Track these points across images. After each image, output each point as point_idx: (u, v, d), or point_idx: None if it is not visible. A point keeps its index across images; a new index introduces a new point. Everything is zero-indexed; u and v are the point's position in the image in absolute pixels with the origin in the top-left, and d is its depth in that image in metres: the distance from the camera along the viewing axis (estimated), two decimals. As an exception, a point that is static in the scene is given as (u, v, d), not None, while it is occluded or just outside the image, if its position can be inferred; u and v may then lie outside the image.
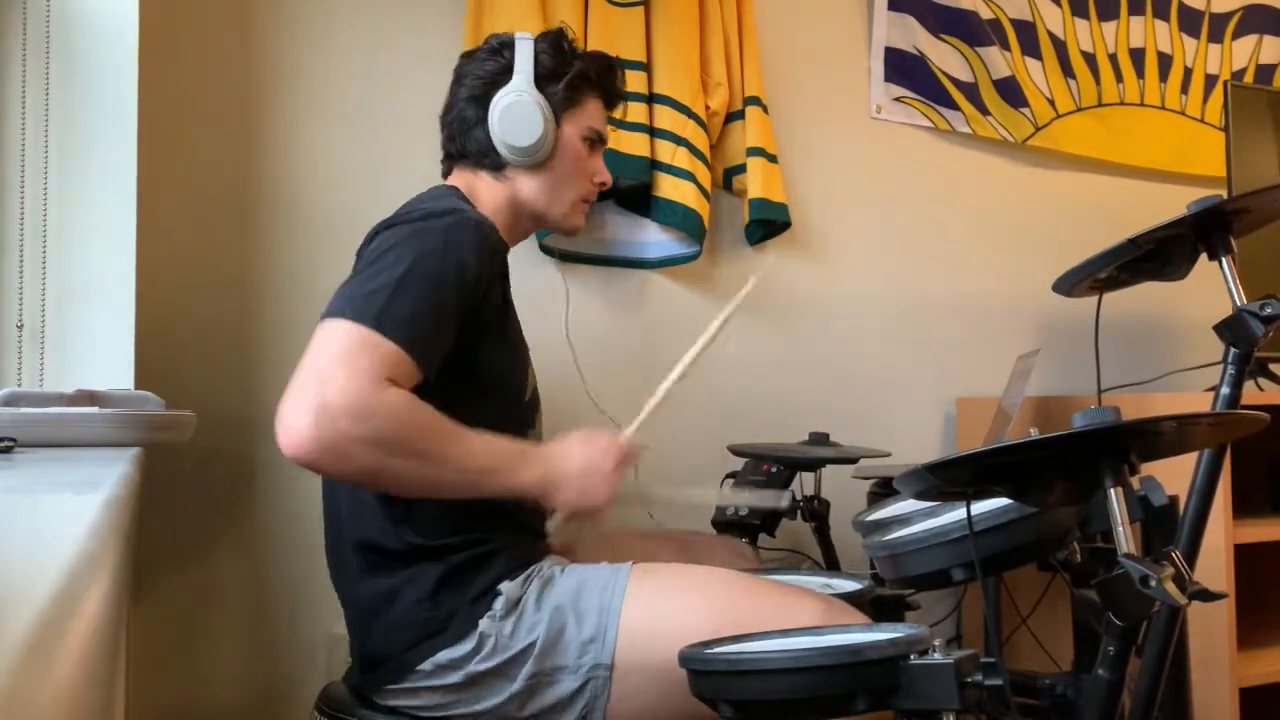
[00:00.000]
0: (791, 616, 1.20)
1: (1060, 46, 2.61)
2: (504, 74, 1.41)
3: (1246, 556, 1.89)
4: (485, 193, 1.43)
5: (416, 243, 1.23)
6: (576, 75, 1.43)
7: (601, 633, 1.21)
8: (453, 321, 1.23)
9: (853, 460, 1.89)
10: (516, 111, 1.40)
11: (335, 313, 1.16)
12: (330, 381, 1.10)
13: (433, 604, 1.24)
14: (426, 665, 1.23)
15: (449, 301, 1.22)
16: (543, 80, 1.41)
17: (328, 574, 1.37)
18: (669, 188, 2.04)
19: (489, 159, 1.42)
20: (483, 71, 1.43)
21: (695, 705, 1.10)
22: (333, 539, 1.36)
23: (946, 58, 2.46)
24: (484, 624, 1.22)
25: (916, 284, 2.43)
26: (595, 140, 1.47)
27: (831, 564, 1.90)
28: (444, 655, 1.23)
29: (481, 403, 1.26)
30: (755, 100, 2.16)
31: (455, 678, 1.23)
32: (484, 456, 1.19)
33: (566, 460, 1.23)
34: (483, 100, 1.41)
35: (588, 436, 1.27)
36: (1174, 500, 1.37)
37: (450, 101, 1.47)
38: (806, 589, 1.31)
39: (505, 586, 1.24)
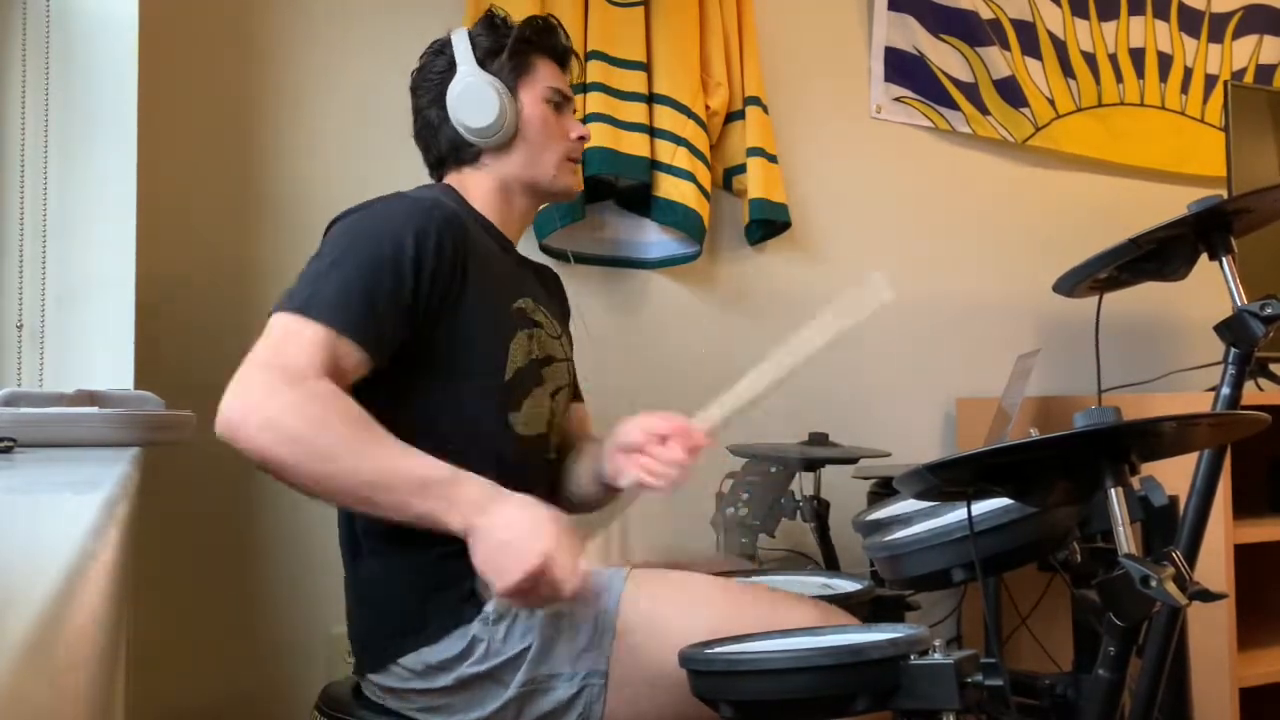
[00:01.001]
0: (785, 623, 1.20)
1: (1060, 46, 2.61)
2: (450, 69, 1.41)
3: (1246, 556, 1.89)
4: (474, 187, 1.43)
5: (357, 229, 1.25)
6: (516, 41, 1.42)
7: (596, 640, 1.20)
8: (392, 302, 1.21)
9: (853, 460, 1.89)
10: (468, 95, 1.39)
11: (275, 307, 1.19)
12: (252, 364, 1.14)
13: (415, 598, 1.24)
14: (410, 662, 1.23)
15: (385, 283, 1.20)
16: (485, 60, 1.41)
17: (326, 574, 1.37)
18: (669, 188, 2.04)
19: (464, 153, 1.42)
20: (433, 75, 1.43)
21: (691, 711, 1.10)
22: (341, 518, 1.35)
23: (946, 58, 2.46)
24: (475, 627, 1.22)
25: (916, 284, 2.43)
26: (560, 100, 1.45)
27: (831, 564, 1.90)
28: (430, 655, 1.22)
29: (440, 385, 1.24)
30: (755, 100, 2.16)
31: (445, 680, 1.22)
32: (388, 474, 1.11)
33: (498, 527, 1.10)
34: (440, 100, 1.41)
35: (544, 526, 1.10)
36: (1174, 500, 1.37)
37: (415, 115, 1.47)
38: (801, 596, 1.30)
39: None
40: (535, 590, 1.08)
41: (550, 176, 1.44)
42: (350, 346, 1.16)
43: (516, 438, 1.33)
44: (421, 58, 1.47)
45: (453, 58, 1.41)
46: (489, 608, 1.22)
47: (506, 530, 1.09)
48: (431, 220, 1.26)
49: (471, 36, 1.42)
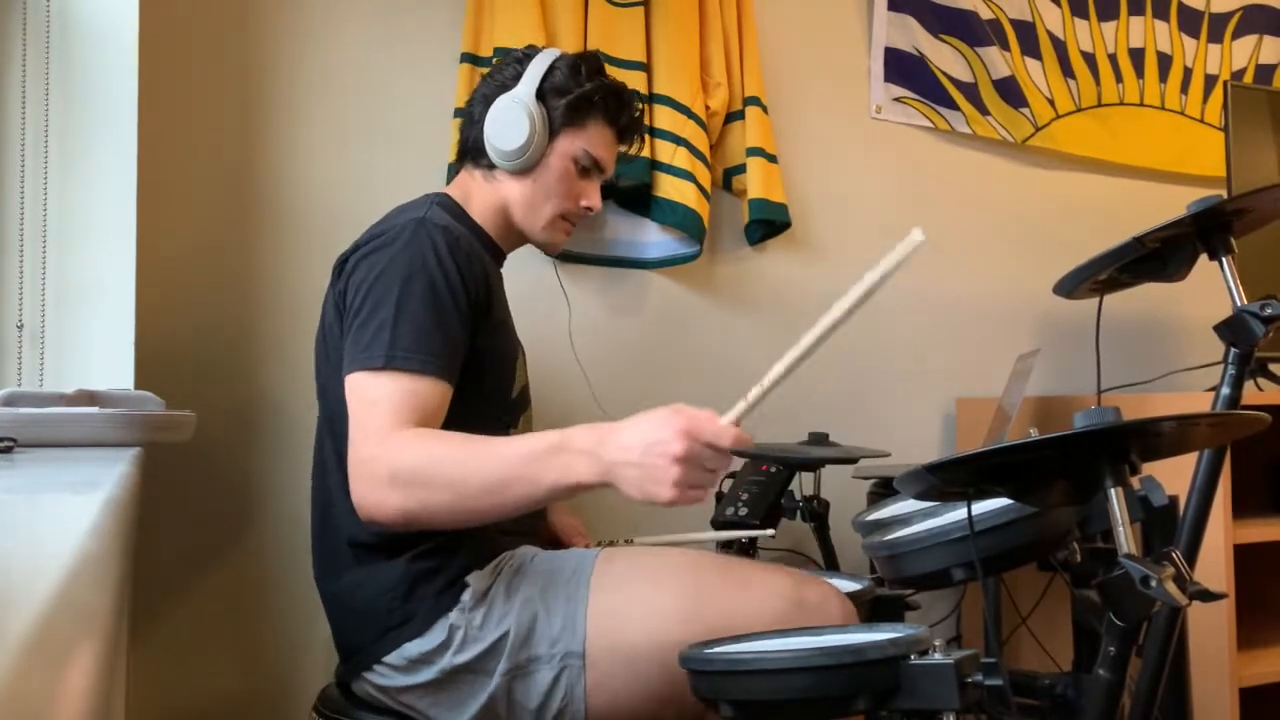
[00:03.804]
0: (759, 592, 1.21)
1: (1060, 46, 2.61)
2: (514, 80, 1.45)
3: (1246, 556, 1.89)
4: (478, 195, 1.47)
5: (399, 264, 1.26)
6: (580, 96, 1.44)
7: (570, 621, 1.22)
8: (459, 322, 1.26)
9: (853, 460, 1.89)
10: (506, 114, 1.43)
11: (350, 368, 1.22)
12: (354, 444, 1.18)
13: (398, 595, 1.26)
14: (395, 658, 1.24)
15: (448, 305, 1.25)
16: (547, 93, 1.44)
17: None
18: (669, 188, 2.04)
19: (483, 159, 1.46)
20: (501, 76, 1.47)
21: (672, 688, 1.11)
22: (317, 532, 1.38)
23: (946, 58, 2.46)
24: (453, 616, 1.24)
25: (916, 284, 2.43)
26: (589, 166, 1.48)
27: (831, 564, 1.90)
28: (412, 648, 1.24)
29: (464, 402, 1.26)
30: (755, 100, 2.16)
31: (429, 674, 1.23)
32: (506, 466, 1.12)
33: (625, 450, 1.08)
34: (489, 101, 1.45)
35: (661, 418, 1.08)
36: (1174, 500, 1.37)
37: (470, 97, 1.52)
38: (775, 565, 1.31)
39: (472, 578, 1.26)
40: (699, 470, 1.07)
41: (537, 226, 1.47)
42: (432, 383, 1.20)
43: None
44: (507, 56, 1.51)
45: (523, 73, 1.45)
46: (465, 596, 1.23)
47: (628, 452, 1.07)
48: (460, 245, 1.30)
49: (552, 66, 1.45)
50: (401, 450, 1.14)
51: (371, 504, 1.15)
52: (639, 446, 1.07)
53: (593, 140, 1.47)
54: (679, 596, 1.22)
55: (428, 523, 1.17)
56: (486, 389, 1.34)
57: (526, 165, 1.43)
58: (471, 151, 1.47)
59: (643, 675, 1.20)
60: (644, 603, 1.22)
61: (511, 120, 1.42)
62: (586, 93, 1.45)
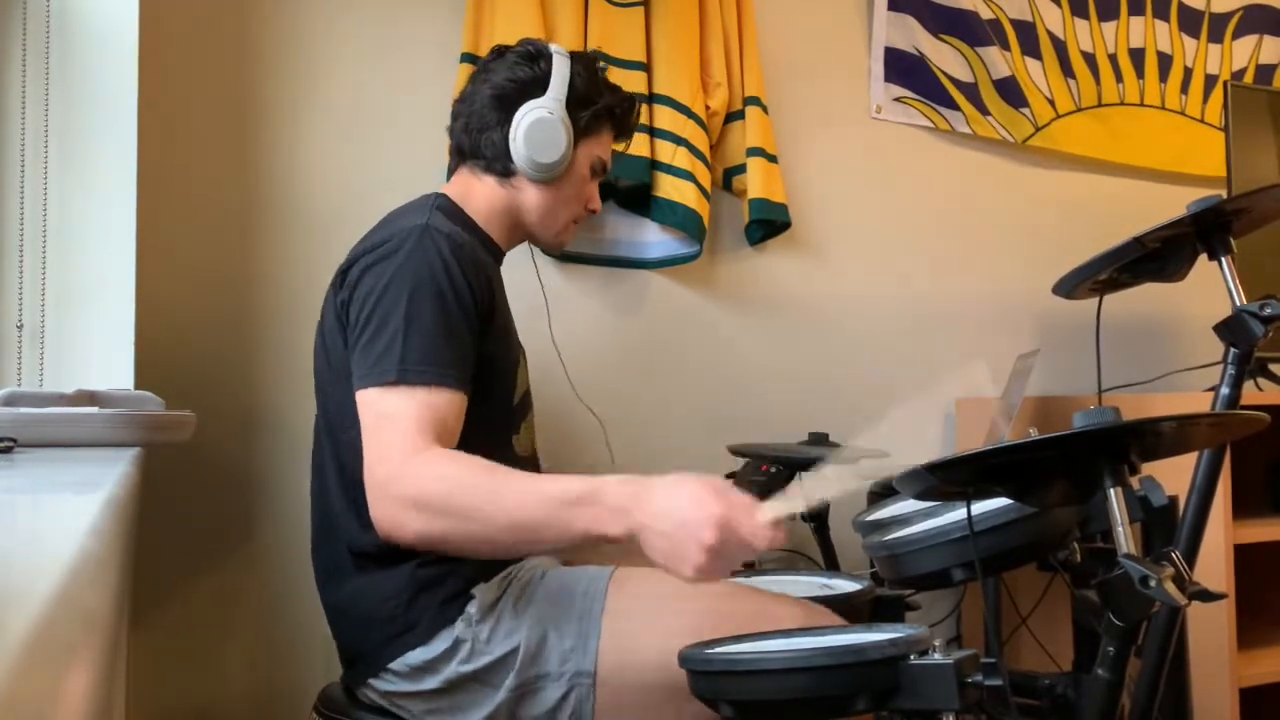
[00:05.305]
0: (770, 621, 1.19)
1: (1060, 46, 2.61)
2: (536, 85, 1.41)
3: (1246, 556, 1.89)
4: (483, 195, 1.43)
5: (406, 274, 1.23)
6: (603, 108, 1.45)
7: (582, 641, 1.21)
8: (468, 331, 1.25)
9: (852, 460, 1.89)
10: (544, 129, 1.39)
11: (362, 383, 1.20)
12: (371, 461, 1.15)
13: (401, 602, 1.25)
14: (399, 665, 1.23)
15: (456, 314, 1.23)
16: (575, 103, 1.42)
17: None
18: (669, 188, 2.04)
19: (500, 164, 1.42)
20: (514, 76, 1.42)
21: (679, 711, 1.10)
22: (318, 541, 1.37)
23: (946, 58, 2.46)
24: (459, 627, 1.22)
25: (916, 284, 2.43)
26: (598, 169, 1.49)
27: (831, 564, 1.90)
28: (416, 656, 1.23)
29: (469, 408, 1.24)
30: (755, 100, 2.16)
31: (434, 682, 1.22)
32: (537, 508, 1.10)
33: (656, 518, 1.05)
34: (508, 105, 1.40)
35: (699, 498, 1.05)
36: (1174, 500, 1.37)
37: (470, 93, 1.45)
38: (786, 595, 1.30)
39: (479, 590, 1.25)
40: (725, 560, 1.05)
41: (553, 231, 1.48)
42: (448, 395, 1.19)
43: (516, 458, 1.36)
44: (510, 52, 1.45)
45: (544, 76, 1.41)
46: (471, 607, 1.23)
47: (665, 520, 1.05)
48: (465, 252, 1.28)
49: (572, 72, 1.42)
50: (426, 473, 1.12)
51: (391, 525, 1.13)
52: (672, 521, 1.05)
53: (604, 145, 1.49)
54: (692, 621, 1.20)
55: (445, 549, 1.16)
56: (491, 396, 1.32)
57: (555, 176, 1.42)
58: (486, 157, 1.42)
59: (652, 697, 1.19)
60: (657, 625, 1.21)
61: (549, 135, 1.39)
62: (609, 105, 1.46)
